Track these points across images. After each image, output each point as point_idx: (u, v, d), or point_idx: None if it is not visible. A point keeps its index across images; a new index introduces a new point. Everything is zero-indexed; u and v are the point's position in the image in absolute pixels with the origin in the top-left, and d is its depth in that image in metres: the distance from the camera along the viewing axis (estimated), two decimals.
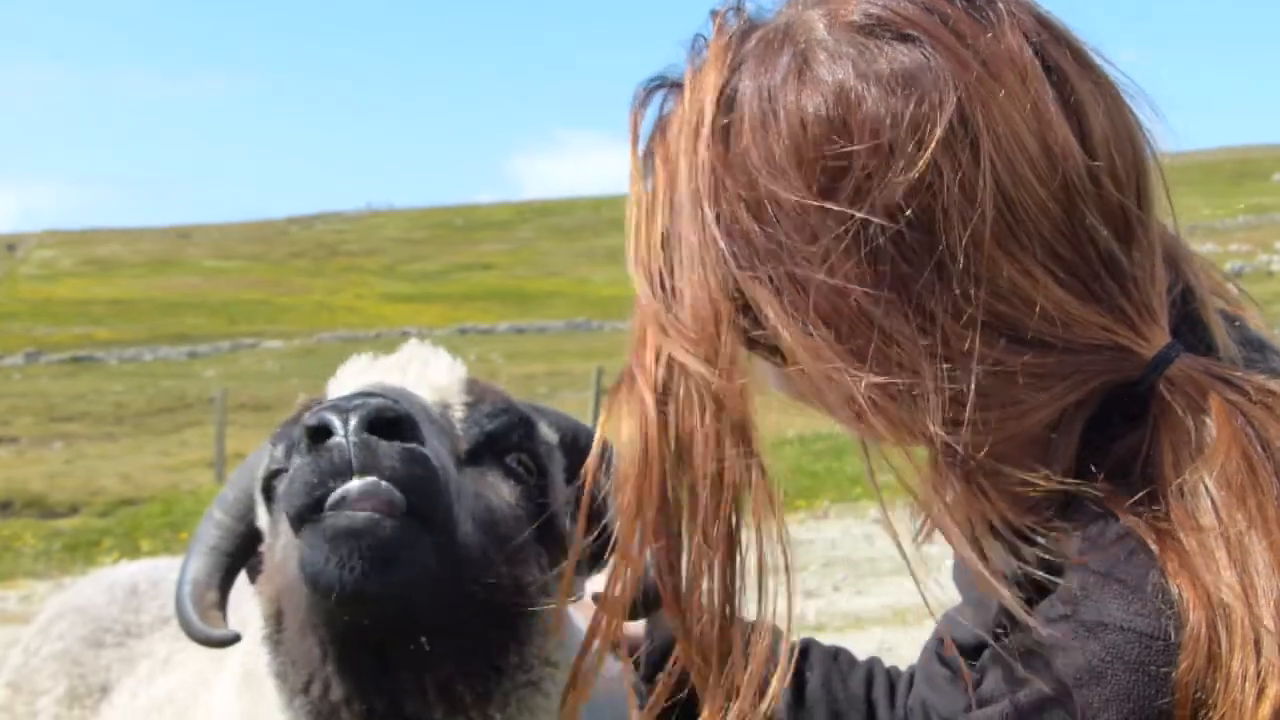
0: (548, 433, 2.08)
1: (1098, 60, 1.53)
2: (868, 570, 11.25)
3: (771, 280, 1.49)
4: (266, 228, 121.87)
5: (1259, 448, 1.42)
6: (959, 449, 1.47)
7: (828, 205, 1.45)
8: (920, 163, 1.43)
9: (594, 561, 2.11)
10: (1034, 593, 1.50)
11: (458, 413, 1.94)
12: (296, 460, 1.67)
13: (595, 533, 2.09)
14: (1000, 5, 1.49)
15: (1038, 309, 1.46)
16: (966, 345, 1.45)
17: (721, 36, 1.59)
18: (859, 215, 1.44)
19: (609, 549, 2.14)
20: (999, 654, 1.53)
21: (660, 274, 1.57)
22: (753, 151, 1.50)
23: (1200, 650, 1.34)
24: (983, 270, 1.45)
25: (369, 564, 1.59)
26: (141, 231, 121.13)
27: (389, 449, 1.63)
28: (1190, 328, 1.55)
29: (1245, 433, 1.43)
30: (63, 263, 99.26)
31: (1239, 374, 1.49)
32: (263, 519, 2.04)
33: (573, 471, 2.09)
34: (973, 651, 1.68)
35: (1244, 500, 1.40)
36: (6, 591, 12.24)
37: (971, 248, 1.44)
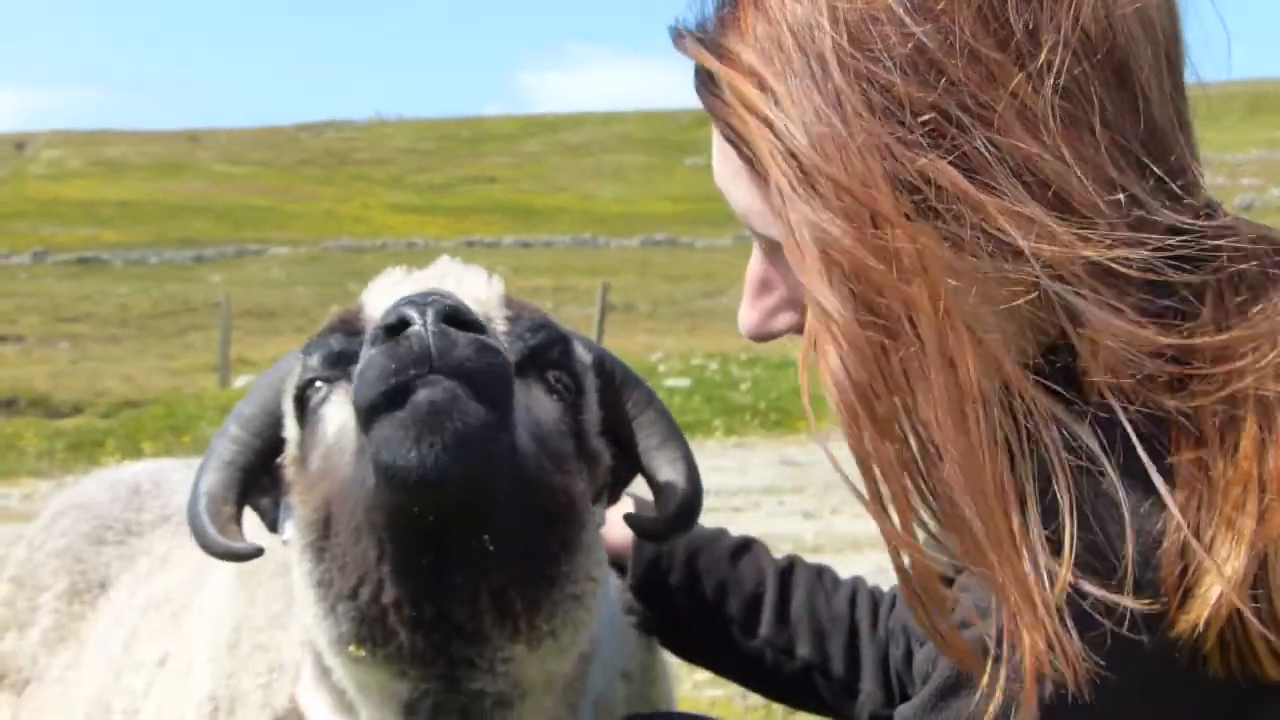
0: (583, 352, 2.06)
1: None
2: None
3: (953, 145, 1.40)
4: (276, 134, 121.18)
5: None
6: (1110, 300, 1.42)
7: (1014, 44, 1.40)
8: None
9: (614, 490, 2.11)
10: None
11: (500, 326, 1.91)
12: (369, 353, 1.64)
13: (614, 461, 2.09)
14: None
15: (1172, 142, 1.46)
16: (1137, 190, 1.43)
17: None
18: (1046, 49, 1.39)
19: (629, 477, 2.15)
20: (968, 581, 1.49)
21: (793, 182, 1.45)
22: (913, 20, 1.41)
23: (1190, 513, 1.35)
24: (1153, 102, 1.44)
25: (452, 442, 1.58)
26: (150, 134, 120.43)
27: (465, 339, 1.62)
28: None
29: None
30: (70, 163, 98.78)
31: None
32: (291, 430, 2.01)
33: (601, 393, 2.07)
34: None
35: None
36: (9, 489, 12.33)
37: (1154, 80, 1.43)
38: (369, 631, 1.77)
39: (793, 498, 11.10)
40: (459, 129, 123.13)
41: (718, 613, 2.26)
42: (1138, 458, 1.37)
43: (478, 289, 1.95)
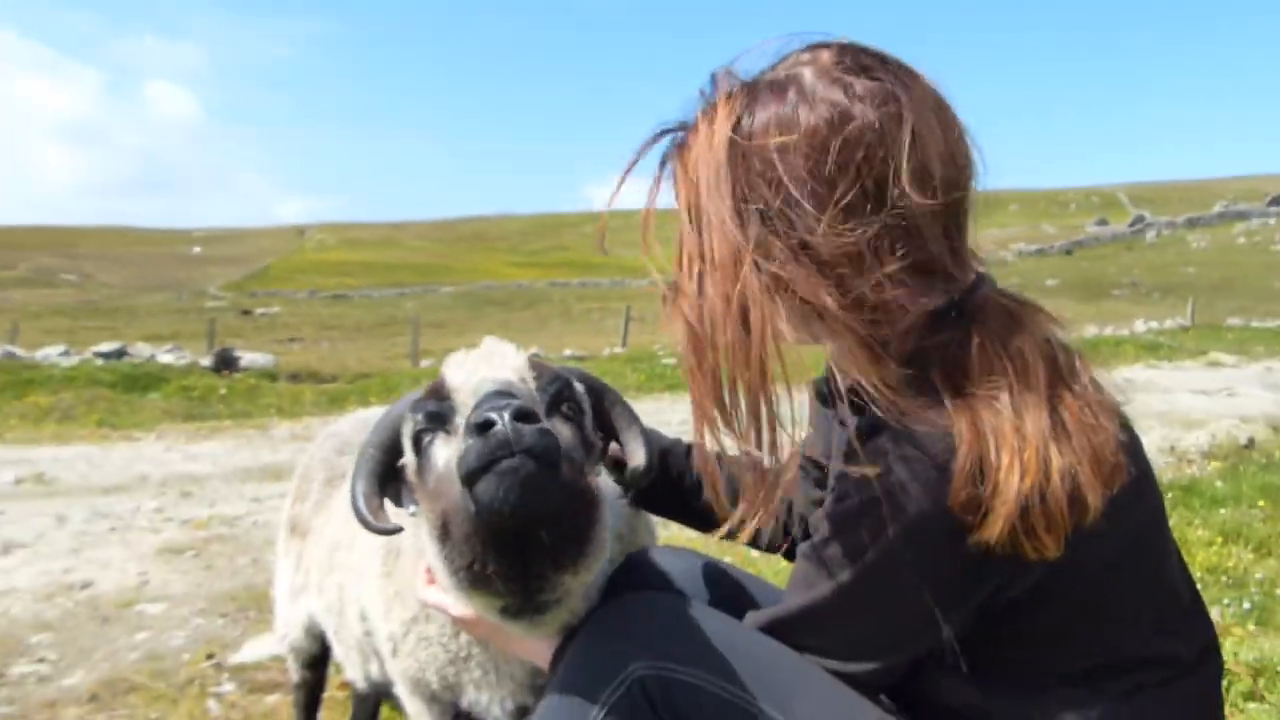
0: (578, 385, 1.90)
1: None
2: None
3: (787, 236, 1.33)
4: (444, 223, 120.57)
5: (1040, 339, 1.36)
6: (884, 334, 1.35)
7: (842, 182, 1.31)
8: (904, 140, 1.32)
9: (605, 449, 1.98)
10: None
11: (530, 384, 1.78)
12: (469, 441, 1.53)
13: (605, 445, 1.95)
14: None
15: (943, 245, 1.37)
16: (949, 266, 1.36)
17: (726, 89, 1.43)
18: (864, 183, 1.32)
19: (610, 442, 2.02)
20: (833, 473, 1.40)
21: (693, 252, 1.42)
22: (774, 154, 1.34)
23: (972, 457, 1.25)
24: (933, 218, 1.35)
25: (523, 487, 1.50)
26: (372, 224, 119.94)
27: (530, 430, 1.52)
28: None
29: (1030, 327, 1.36)
30: (329, 241, 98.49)
31: (1023, 297, 1.43)
32: (409, 458, 1.85)
33: (592, 405, 1.94)
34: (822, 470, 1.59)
35: (1027, 369, 1.32)
36: (295, 423, 12.37)
37: (953, 191, 1.35)
38: (481, 586, 1.68)
39: None
40: (548, 220, 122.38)
41: (678, 488, 2.18)
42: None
43: (512, 359, 1.83)
